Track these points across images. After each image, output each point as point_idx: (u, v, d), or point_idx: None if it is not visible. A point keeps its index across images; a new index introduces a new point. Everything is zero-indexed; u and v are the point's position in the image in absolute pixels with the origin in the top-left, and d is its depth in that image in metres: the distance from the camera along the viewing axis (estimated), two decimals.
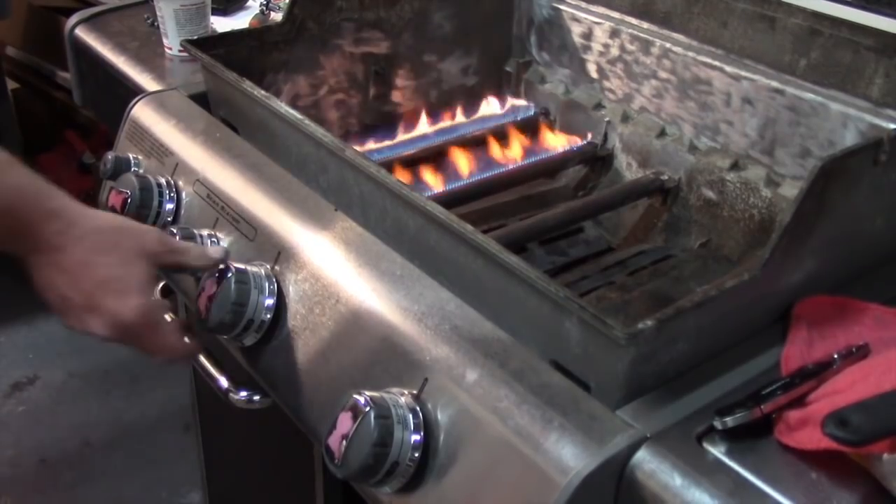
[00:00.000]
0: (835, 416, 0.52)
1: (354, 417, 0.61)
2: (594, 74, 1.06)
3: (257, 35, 0.97)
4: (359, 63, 1.04)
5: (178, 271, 0.81)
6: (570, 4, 1.07)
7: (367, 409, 0.61)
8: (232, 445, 1.29)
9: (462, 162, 0.99)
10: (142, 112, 0.98)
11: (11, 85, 2.32)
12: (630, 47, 1.01)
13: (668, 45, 0.97)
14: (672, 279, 0.86)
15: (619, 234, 0.98)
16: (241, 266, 0.76)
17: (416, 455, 0.62)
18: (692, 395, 0.60)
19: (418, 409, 0.63)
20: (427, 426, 0.62)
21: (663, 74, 0.98)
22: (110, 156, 0.95)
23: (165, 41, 1.14)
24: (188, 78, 1.06)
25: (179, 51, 1.11)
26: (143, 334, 0.73)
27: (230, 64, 0.90)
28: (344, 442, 0.61)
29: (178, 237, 0.81)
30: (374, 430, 0.60)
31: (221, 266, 0.76)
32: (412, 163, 0.98)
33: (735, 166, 0.91)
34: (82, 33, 1.20)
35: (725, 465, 0.55)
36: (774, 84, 0.88)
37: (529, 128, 1.08)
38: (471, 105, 1.10)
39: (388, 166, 0.93)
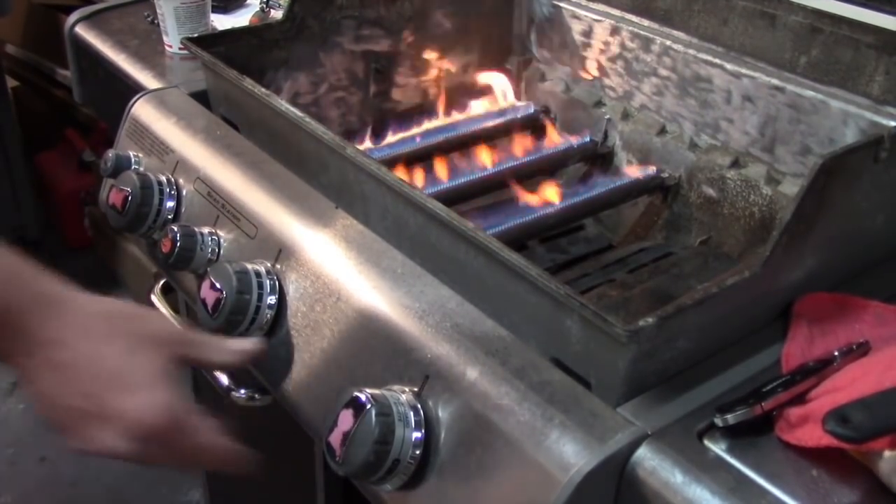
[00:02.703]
0: (835, 413, 0.52)
1: (355, 415, 0.61)
2: (594, 72, 1.06)
3: (257, 33, 0.97)
4: (359, 61, 1.04)
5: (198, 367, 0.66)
6: (570, 2, 1.07)
7: (369, 406, 0.61)
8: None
9: (463, 160, 0.99)
10: (142, 110, 0.98)
11: (11, 83, 2.32)
12: (630, 45, 1.01)
13: (668, 42, 0.97)
14: (672, 277, 0.86)
15: (619, 232, 0.98)
16: (243, 267, 0.76)
17: (418, 452, 0.62)
18: (693, 393, 0.60)
19: (419, 406, 0.63)
20: (428, 424, 0.62)
21: (664, 72, 0.98)
22: (111, 154, 0.95)
23: (165, 39, 1.14)
24: (188, 76, 1.06)
25: (180, 48, 1.11)
26: (170, 440, 0.59)
27: (230, 62, 0.90)
28: (345, 439, 0.62)
29: (178, 234, 0.81)
30: (375, 427, 0.60)
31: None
32: (413, 160, 0.98)
33: (735, 164, 0.91)
34: (82, 31, 1.20)
35: (726, 462, 0.55)
36: (775, 82, 0.88)
37: (529, 126, 1.08)
38: (471, 103, 1.10)
39: (389, 164, 0.93)
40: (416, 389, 0.64)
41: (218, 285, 0.74)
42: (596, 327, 0.58)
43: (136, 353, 0.59)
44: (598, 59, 1.05)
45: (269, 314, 0.75)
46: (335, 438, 0.62)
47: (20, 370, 0.57)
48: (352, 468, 0.61)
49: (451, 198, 0.90)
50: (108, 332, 0.59)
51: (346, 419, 0.62)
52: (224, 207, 0.84)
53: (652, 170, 0.97)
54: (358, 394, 0.62)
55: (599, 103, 1.06)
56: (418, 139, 1.02)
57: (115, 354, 0.58)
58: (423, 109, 1.08)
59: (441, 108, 1.08)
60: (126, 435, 0.57)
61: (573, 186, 0.95)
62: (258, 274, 0.76)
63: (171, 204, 0.89)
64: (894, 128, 0.67)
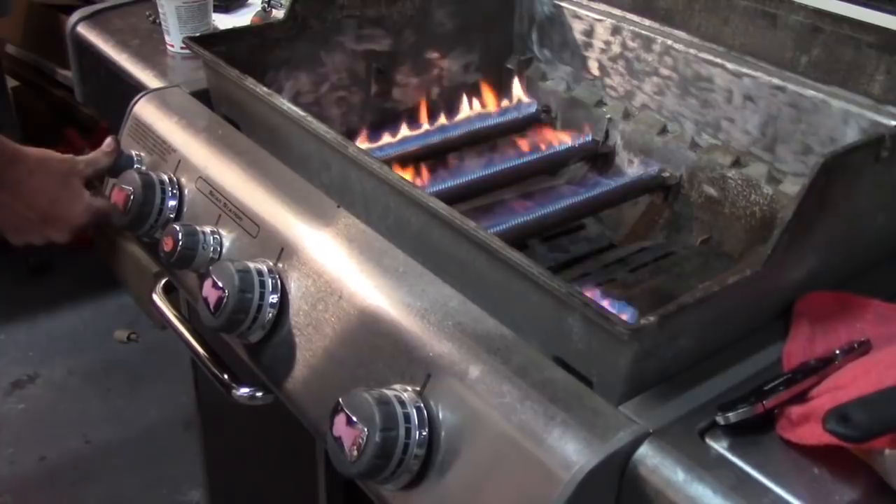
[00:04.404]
0: (836, 411, 0.52)
1: (360, 416, 0.61)
2: (595, 72, 1.06)
3: (259, 32, 0.97)
4: (360, 60, 1.04)
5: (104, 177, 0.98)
6: (571, 2, 1.08)
7: (373, 406, 0.61)
8: (233, 442, 1.29)
9: (464, 159, 0.99)
10: (144, 109, 0.98)
11: (11, 83, 2.32)
12: (631, 44, 1.01)
13: (669, 42, 0.97)
14: (673, 276, 0.86)
15: (620, 231, 0.98)
16: (245, 266, 0.76)
17: (422, 451, 0.62)
18: (694, 391, 0.60)
19: (422, 405, 0.63)
20: (430, 422, 0.62)
21: (665, 72, 0.98)
22: None
23: (167, 38, 1.14)
24: (190, 75, 1.06)
25: (181, 48, 1.12)
26: (95, 223, 0.93)
27: (232, 61, 0.90)
28: (354, 441, 0.61)
29: (180, 233, 0.82)
30: (379, 428, 0.60)
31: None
32: (414, 160, 0.98)
33: (736, 163, 0.91)
34: (84, 31, 1.20)
35: (728, 460, 0.55)
36: (776, 81, 0.88)
37: (531, 125, 1.08)
38: (472, 102, 1.10)
39: (390, 163, 0.93)
40: (417, 388, 0.64)
41: (220, 284, 0.74)
42: (598, 326, 0.58)
43: (66, 185, 0.91)
44: (599, 58, 1.06)
45: (271, 313, 0.76)
46: (346, 440, 0.62)
47: None
48: (358, 469, 0.61)
49: (453, 197, 0.90)
50: (46, 172, 0.90)
51: (351, 421, 0.62)
52: (226, 206, 0.84)
53: (653, 169, 0.97)
54: (361, 393, 0.62)
55: (601, 103, 1.06)
56: (419, 138, 1.03)
57: (54, 187, 0.91)
58: (425, 109, 1.08)
59: (442, 107, 1.08)
60: (67, 231, 0.92)
61: (574, 186, 0.96)
62: (260, 273, 0.76)
63: (172, 203, 0.89)
64: (895, 127, 0.67)
